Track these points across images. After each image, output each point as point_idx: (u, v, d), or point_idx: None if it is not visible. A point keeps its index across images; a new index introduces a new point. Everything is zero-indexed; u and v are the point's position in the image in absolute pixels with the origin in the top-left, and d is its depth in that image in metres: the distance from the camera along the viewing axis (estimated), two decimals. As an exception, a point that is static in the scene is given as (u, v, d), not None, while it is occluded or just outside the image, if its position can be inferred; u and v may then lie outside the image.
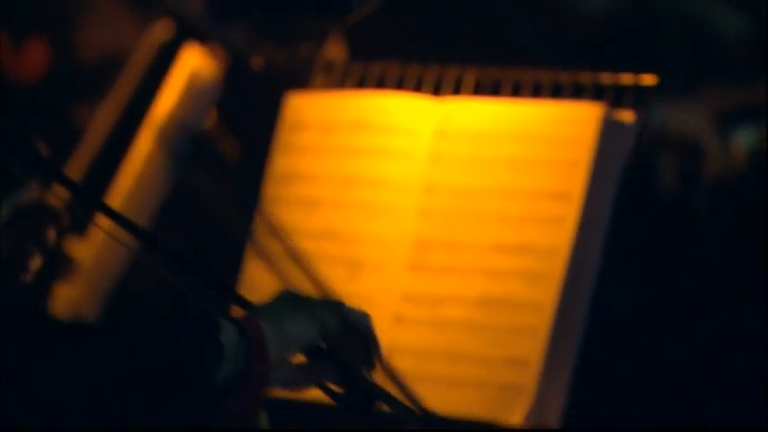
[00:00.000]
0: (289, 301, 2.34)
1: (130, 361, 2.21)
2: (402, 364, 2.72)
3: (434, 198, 3.04)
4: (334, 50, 3.51)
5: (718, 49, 4.63)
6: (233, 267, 3.28)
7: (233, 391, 2.19)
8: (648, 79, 2.90)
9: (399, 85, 3.10)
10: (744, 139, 4.59)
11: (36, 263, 2.79)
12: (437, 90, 3.06)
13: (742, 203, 4.62)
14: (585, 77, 2.95)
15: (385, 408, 2.43)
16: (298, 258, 3.11)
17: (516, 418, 2.80)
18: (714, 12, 4.85)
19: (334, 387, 2.49)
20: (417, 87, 3.07)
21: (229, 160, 3.84)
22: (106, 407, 2.23)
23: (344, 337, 2.41)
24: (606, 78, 2.94)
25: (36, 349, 2.22)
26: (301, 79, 3.31)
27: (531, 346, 2.85)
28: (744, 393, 3.86)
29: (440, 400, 2.59)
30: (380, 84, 3.13)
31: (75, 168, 3.67)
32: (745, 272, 4.15)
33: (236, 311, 2.84)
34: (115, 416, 2.21)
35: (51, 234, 2.76)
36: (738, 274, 4.05)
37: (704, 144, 4.53)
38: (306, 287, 2.74)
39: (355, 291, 2.92)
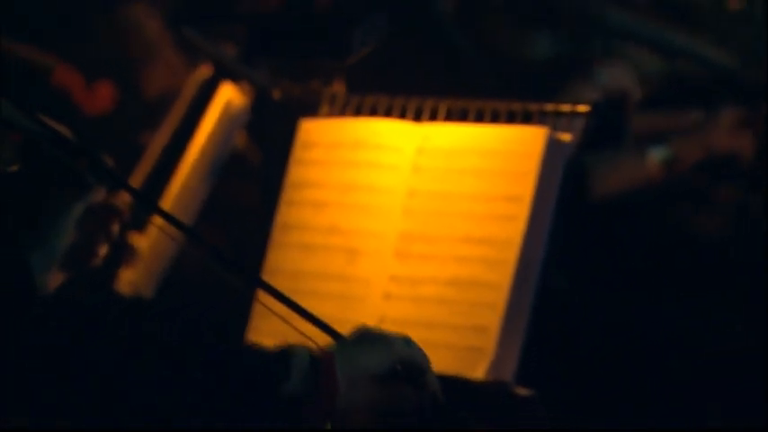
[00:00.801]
0: (365, 336, 2.31)
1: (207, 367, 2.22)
2: (390, 331, 2.72)
3: (416, 201, 3.02)
4: (337, 86, 3.42)
5: (641, 84, 4.71)
6: (258, 255, 3.43)
7: (299, 403, 2.19)
8: (582, 107, 2.98)
9: (388, 112, 3.09)
10: (657, 155, 4.62)
11: (103, 251, 2.80)
12: (418, 116, 3.07)
13: (658, 205, 4.68)
14: (533, 106, 2.99)
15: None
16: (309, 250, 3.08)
17: (479, 373, 2.83)
18: (638, 54, 4.91)
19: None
20: (402, 115, 3.07)
21: (255, 171, 3.86)
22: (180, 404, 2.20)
23: (413, 366, 2.37)
24: (549, 107, 2.99)
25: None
26: (311, 108, 3.25)
27: (491, 316, 2.85)
28: (662, 345, 3.93)
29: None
30: (373, 112, 3.12)
31: (138, 177, 3.67)
32: (659, 257, 4.22)
33: (264, 296, 2.91)
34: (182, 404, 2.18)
35: (115, 228, 2.69)
36: (655, 260, 4.20)
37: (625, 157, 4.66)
38: (311, 271, 3.03)
39: (353, 274, 3.03)
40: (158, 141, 3.64)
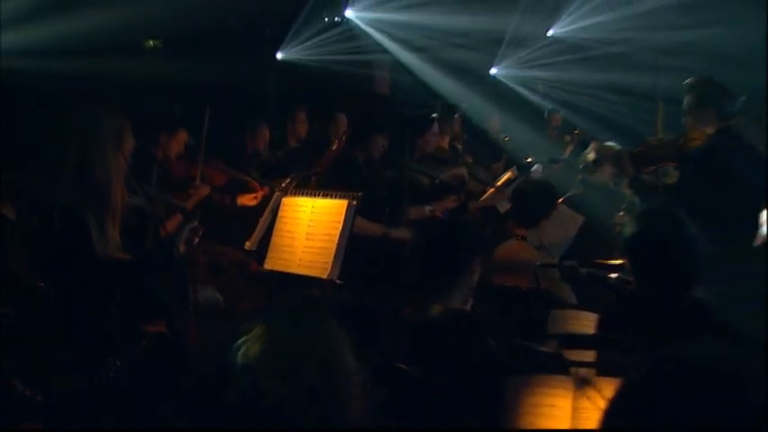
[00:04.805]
0: None
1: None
2: (301, 264, 3.94)
3: (311, 222, 4.04)
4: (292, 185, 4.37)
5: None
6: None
7: None
8: (356, 196, 3.88)
9: (304, 194, 4.11)
10: (428, 207, 5.27)
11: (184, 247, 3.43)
12: (314, 195, 4.06)
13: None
14: (351, 194, 3.91)
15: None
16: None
17: (326, 275, 3.86)
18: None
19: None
20: (310, 196, 4.07)
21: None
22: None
23: None
24: (338, 194, 3.88)
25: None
26: (287, 192, 4.24)
27: (330, 256, 3.87)
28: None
29: (307, 268, 3.88)
30: (302, 194, 4.13)
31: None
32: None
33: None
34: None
35: (201, 233, 3.43)
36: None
37: None
38: (282, 243, 3.97)
39: (292, 244, 4.04)
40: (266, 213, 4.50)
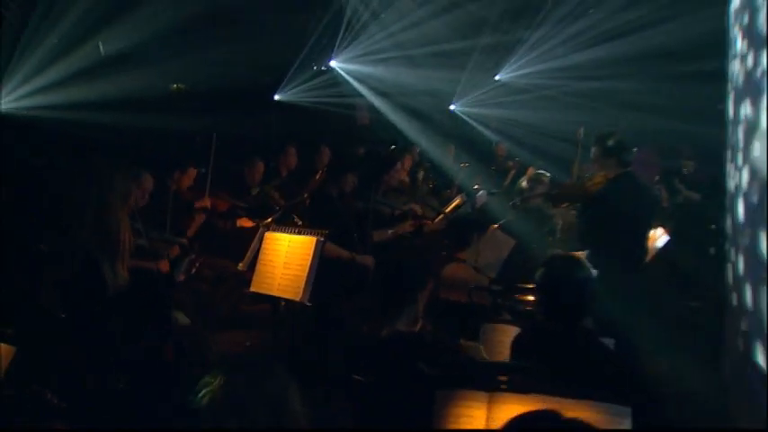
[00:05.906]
0: None
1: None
2: (279, 288, 3.83)
3: (289, 253, 3.92)
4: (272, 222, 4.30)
5: None
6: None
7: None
8: (324, 232, 3.80)
9: (285, 231, 3.96)
10: (389, 231, 5.09)
11: (183, 276, 3.61)
12: (293, 233, 3.93)
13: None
14: (320, 231, 3.81)
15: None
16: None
17: (299, 298, 3.78)
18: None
19: None
20: (288, 232, 3.94)
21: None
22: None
23: None
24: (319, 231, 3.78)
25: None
26: (269, 229, 4.11)
27: (302, 282, 3.75)
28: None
29: (284, 292, 3.75)
30: (281, 230, 3.98)
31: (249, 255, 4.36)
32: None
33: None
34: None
35: (199, 264, 3.66)
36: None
37: None
38: (264, 270, 3.75)
39: (273, 272, 3.93)
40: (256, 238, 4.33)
